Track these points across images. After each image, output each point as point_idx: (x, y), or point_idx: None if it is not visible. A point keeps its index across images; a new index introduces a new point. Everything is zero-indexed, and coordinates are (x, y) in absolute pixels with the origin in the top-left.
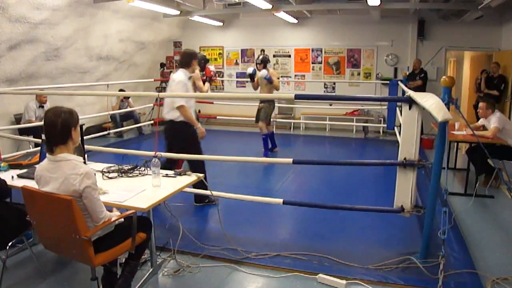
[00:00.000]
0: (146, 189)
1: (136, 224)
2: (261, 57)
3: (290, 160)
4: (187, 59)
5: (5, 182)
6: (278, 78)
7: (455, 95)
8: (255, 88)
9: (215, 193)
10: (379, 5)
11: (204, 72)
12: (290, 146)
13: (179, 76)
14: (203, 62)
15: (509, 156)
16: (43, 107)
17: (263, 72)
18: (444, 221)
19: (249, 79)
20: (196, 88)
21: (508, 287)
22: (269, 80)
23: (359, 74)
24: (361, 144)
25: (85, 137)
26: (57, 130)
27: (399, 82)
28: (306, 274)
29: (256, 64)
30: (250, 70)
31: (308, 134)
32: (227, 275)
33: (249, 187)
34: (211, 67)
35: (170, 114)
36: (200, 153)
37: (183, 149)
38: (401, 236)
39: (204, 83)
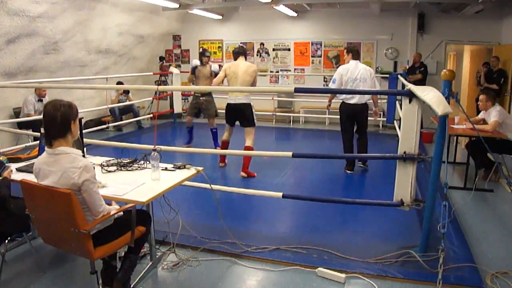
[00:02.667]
0: (145, 183)
1: (135, 217)
2: (207, 52)
3: (290, 153)
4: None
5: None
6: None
7: (455, 89)
8: (190, 81)
9: (214, 187)
10: None
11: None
12: (290, 139)
13: (370, 69)
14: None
15: (509, 150)
16: (42, 100)
17: (215, 66)
18: (444, 215)
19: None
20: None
21: (507, 281)
22: (216, 74)
23: None
24: None
25: (84, 131)
26: (56, 124)
27: (399, 76)
28: (306, 268)
29: (202, 56)
30: (196, 62)
31: (307, 128)
32: (227, 269)
33: (248, 180)
34: (214, 65)
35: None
36: None
37: (364, 125)
38: (400, 230)
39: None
